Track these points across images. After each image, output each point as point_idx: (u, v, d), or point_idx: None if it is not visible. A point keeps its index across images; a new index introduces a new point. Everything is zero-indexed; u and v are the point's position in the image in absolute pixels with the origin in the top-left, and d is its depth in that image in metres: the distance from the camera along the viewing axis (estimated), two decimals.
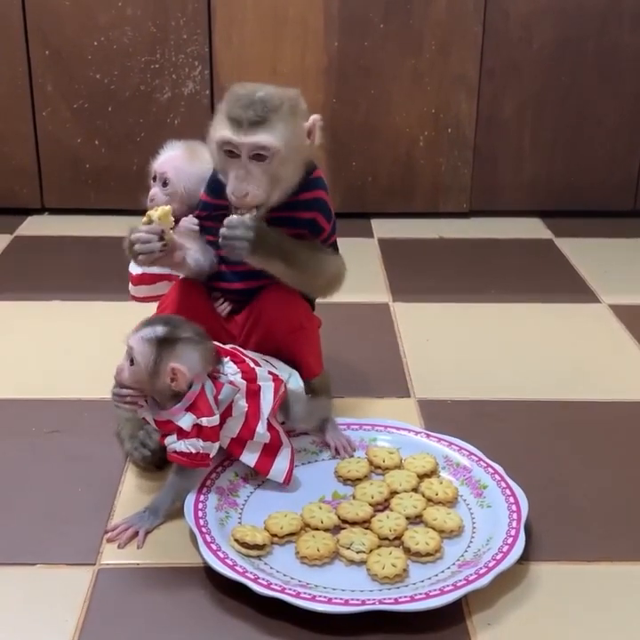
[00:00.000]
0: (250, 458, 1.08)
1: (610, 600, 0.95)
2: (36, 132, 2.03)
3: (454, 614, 0.91)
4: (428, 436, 1.17)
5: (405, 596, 0.90)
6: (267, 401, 1.08)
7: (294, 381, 1.15)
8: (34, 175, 2.06)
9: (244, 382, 1.07)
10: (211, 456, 1.04)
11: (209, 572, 0.96)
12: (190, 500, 1.04)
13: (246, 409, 1.07)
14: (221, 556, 0.95)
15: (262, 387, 1.08)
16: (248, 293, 1.17)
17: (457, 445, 1.15)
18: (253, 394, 1.07)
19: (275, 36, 1.98)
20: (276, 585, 0.91)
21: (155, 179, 1.22)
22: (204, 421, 1.02)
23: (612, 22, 2.00)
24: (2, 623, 0.91)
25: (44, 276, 1.77)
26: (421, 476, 1.10)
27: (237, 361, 1.09)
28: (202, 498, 1.04)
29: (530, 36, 2.01)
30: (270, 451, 1.08)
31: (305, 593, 0.91)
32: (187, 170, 1.20)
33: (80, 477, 1.13)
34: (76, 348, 1.47)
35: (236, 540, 0.98)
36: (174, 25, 1.95)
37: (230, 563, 0.94)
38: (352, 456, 1.15)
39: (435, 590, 0.91)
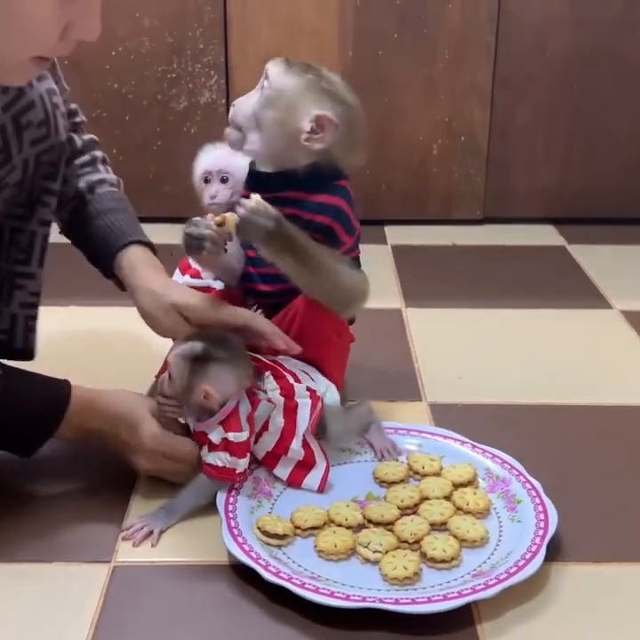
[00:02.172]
0: (283, 472, 1.11)
1: (622, 601, 0.96)
2: None
3: (463, 619, 0.92)
4: (473, 446, 1.17)
5: (407, 598, 0.91)
6: (303, 418, 1.10)
7: (330, 396, 1.16)
8: None
9: (282, 399, 1.09)
10: (236, 471, 1.06)
11: (225, 569, 0.98)
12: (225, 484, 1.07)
13: (282, 425, 1.09)
14: (240, 541, 0.98)
15: (299, 404, 1.10)
16: (274, 296, 1.18)
17: (500, 458, 1.14)
18: (290, 411, 1.10)
19: (290, 46, 2.00)
20: (284, 573, 0.94)
21: (207, 180, 1.23)
22: (231, 436, 1.05)
23: (625, 31, 2.01)
24: (19, 619, 0.93)
25: (61, 281, 1.79)
26: (457, 485, 1.11)
27: (277, 376, 1.11)
28: (236, 485, 1.07)
29: (543, 44, 2.02)
30: (304, 466, 1.11)
31: (310, 584, 0.92)
32: (240, 163, 1.22)
33: (96, 476, 1.15)
34: (96, 350, 1.49)
35: (259, 528, 1.01)
36: (191, 35, 1.98)
37: (247, 548, 0.97)
38: (396, 460, 1.16)
39: (438, 596, 0.92)
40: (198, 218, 1.09)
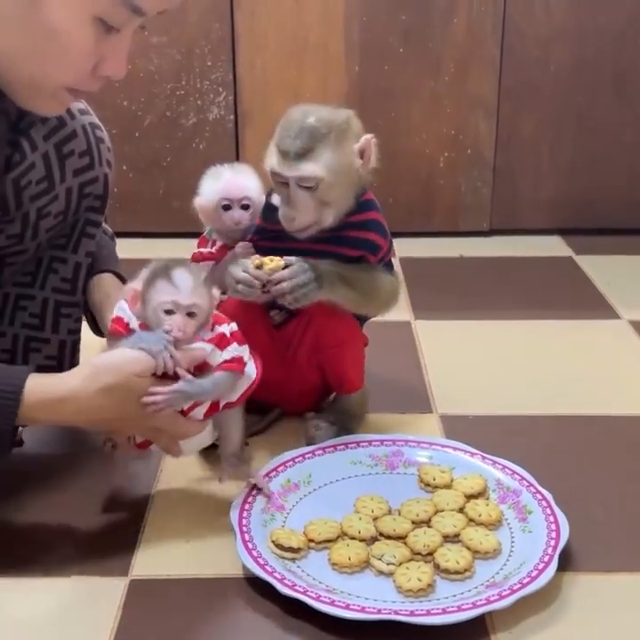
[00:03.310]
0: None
1: (634, 610, 0.97)
2: None
3: (478, 630, 0.92)
4: (483, 457, 1.18)
5: (422, 610, 0.92)
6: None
7: None
8: None
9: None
10: (243, 360, 1.05)
11: (240, 583, 0.99)
12: (238, 499, 1.08)
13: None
14: (255, 554, 0.99)
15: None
16: None
17: (510, 469, 1.15)
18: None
19: (297, 61, 2.02)
20: (299, 587, 0.94)
21: (227, 207, 1.24)
22: (225, 328, 1.05)
23: (629, 43, 2.03)
24: (37, 633, 0.94)
25: None
26: (469, 497, 1.11)
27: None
28: (250, 499, 1.08)
29: (547, 57, 2.04)
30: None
31: (325, 597, 0.93)
32: (257, 187, 1.25)
33: (113, 489, 1.16)
34: None
35: (273, 542, 1.02)
36: (199, 52, 2.00)
37: (262, 562, 0.98)
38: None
39: (452, 607, 0.92)
40: (247, 262, 1.13)
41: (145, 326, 1.04)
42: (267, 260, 1.13)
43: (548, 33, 2.02)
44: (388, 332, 1.62)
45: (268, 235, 1.20)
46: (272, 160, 1.13)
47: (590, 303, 1.79)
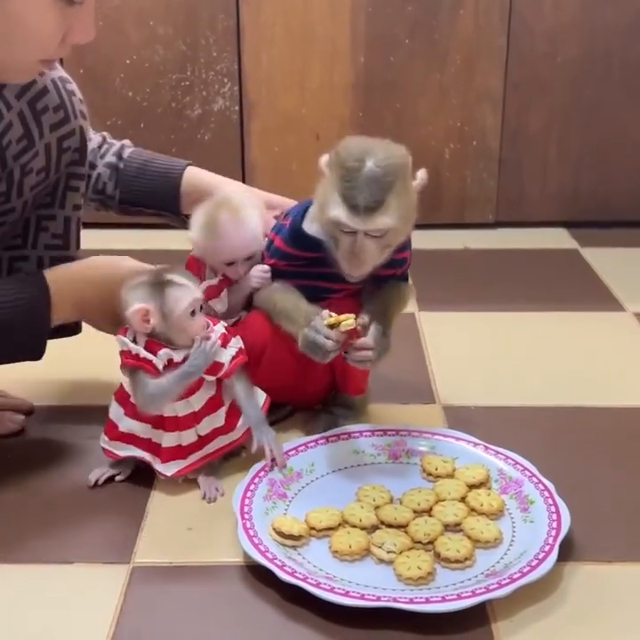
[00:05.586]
0: None
1: (635, 600, 0.97)
2: None
3: (478, 618, 0.93)
4: (485, 448, 1.18)
5: (421, 598, 0.92)
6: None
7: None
8: None
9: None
10: (243, 348, 1.15)
11: (241, 570, 1.00)
12: (240, 487, 1.08)
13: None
14: (256, 541, 0.99)
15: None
16: (341, 291, 1.20)
17: (513, 459, 1.15)
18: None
19: (303, 52, 2.02)
20: (299, 573, 0.95)
21: (232, 263, 1.19)
22: (220, 327, 1.14)
23: (637, 37, 2.02)
24: (40, 619, 0.94)
25: None
26: (471, 487, 1.12)
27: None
28: (252, 486, 1.09)
29: (555, 50, 2.03)
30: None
31: (325, 584, 0.94)
32: (261, 232, 1.20)
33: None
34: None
35: (274, 529, 1.02)
36: (204, 43, 2.00)
37: (262, 549, 0.98)
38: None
39: (452, 595, 0.92)
40: (319, 322, 1.10)
41: (153, 343, 1.08)
42: (342, 317, 1.09)
43: (555, 26, 2.01)
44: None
45: (299, 262, 1.17)
46: (338, 212, 1.06)
47: (595, 295, 1.79)
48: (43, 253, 1.19)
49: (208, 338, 1.09)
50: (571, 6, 2.00)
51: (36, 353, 1.13)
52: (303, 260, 1.17)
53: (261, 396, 1.17)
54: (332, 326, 1.09)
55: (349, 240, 1.08)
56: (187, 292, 1.07)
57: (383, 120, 2.07)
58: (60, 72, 1.16)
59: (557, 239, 2.11)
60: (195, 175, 1.32)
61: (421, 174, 1.11)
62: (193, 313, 1.08)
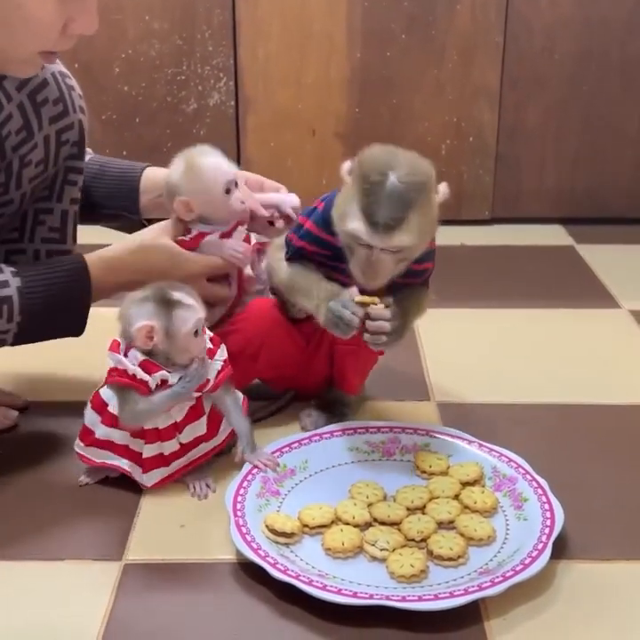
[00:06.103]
0: None
1: (628, 598, 0.97)
2: None
3: (471, 616, 0.92)
4: (479, 445, 1.18)
5: (414, 596, 0.92)
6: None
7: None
8: None
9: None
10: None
11: (233, 567, 0.99)
12: (233, 484, 1.08)
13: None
14: (249, 539, 0.99)
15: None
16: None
17: (507, 457, 1.15)
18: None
19: (299, 47, 2.01)
20: (292, 571, 0.95)
21: (228, 190, 1.21)
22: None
23: (635, 32, 2.02)
24: (31, 616, 0.94)
25: None
26: (464, 484, 1.11)
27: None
28: (244, 483, 1.08)
29: (552, 46, 2.03)
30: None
31: (317, 581, 0.93)
32: (233, 166, 1.23)
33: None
34: None
35: (267, 526, 1.02)
36: (200, 38, 2.00)
37: (255, 546, 0.98)
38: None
39: (444, 593, 0.92)
40: (347, 297, 1.09)
41: (149, 363, 1.07)
42: (368, 299, 1.08)
43: (552, 22, 2.01)
44: None
45: (327, 247, 1.13)
46: (356, 225, 1.03)
47: (591, 292, 1.78)
48: (40, 246, 1.19)
49: (203, 359, 1.09)
50: (568, 2, 1.99)
51: (80, 329, 1.16)
52: (331, 250, 1.12)
53: (240, 397, 1.16)
54: (359, 304, 1.09)
55: (365, 252, 1.05)
56: (193, 312, 1.07)
57: (379, 116, 2.07)
58: (60, 67, 1.17)
59: (554, 236, 2.11)
60: (154, 173, 1.32)
61: (443, 188, 1.07)
62: (196, 333, 1.07)
